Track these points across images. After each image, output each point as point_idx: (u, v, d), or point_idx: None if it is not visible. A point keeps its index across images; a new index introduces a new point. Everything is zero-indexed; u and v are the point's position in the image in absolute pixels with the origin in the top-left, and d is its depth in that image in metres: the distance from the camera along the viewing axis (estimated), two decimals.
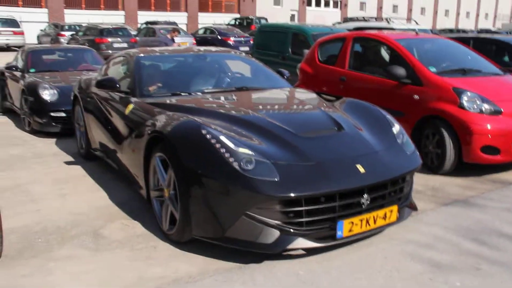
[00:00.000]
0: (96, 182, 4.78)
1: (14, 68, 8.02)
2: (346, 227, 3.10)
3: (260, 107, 4.08)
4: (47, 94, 6.96)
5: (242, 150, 3.09)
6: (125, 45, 18.07)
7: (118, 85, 4.35)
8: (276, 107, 4.19)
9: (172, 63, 4.89)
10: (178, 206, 3.21)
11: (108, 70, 5.50)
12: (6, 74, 8.55)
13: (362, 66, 6.23)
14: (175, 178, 3.22)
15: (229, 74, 4.95)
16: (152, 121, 3.65)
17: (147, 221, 3.76)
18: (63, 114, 6.86)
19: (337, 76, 6.34)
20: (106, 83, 4.38)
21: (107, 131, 4.70)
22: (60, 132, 6.92)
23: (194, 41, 21.21)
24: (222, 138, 3.15)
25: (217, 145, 3.10)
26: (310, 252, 3.22)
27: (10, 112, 8.53)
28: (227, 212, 3.04)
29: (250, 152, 3.09)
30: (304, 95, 4.62)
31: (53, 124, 6.87)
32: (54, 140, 6.74)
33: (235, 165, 3.00)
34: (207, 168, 3.08)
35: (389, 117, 3.94)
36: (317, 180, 3.07)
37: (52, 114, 6.85)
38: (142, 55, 4.82)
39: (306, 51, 7.54)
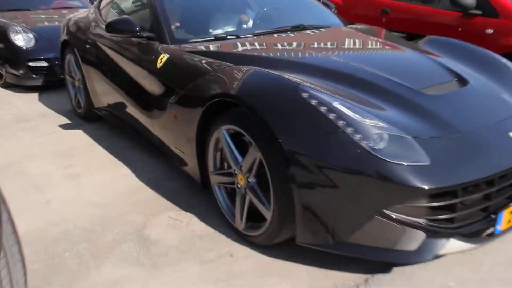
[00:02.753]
0: (111, 154, 3.68)
1: None
2: (505, 219, 2.20)
3: (344, 53, 3.01)
4: (21, 39, 5.60)
5: (369, 121, 2.08)
6: None
7: (138, 28, 3.16)
8: (364, 52, 3.11)
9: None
10: (271, 200, 2.21)
11: (108, 8, 4.22)
12: None
13: None
14: (264, 162, 2.19)
15: (273, 8, 3.80)
16: (207, 79, 2.56)
17: (204, 212, 2.75)
18: (44, 64, 5.55)
19: (377, 7, 5.25)
20: (121, 26, 3.18)
21: (123, 89, 3.54)
22: (41, 86, 5.64)
23: None
24: (336, 104, 2.11)
25: (331, 116, 2.07)
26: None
27: None
28: (352, 211, 2.07)
29: (381, 124, 2.08)
30: (380, 33, 3.55)
31: (33, 76, 5.56)
32: (35, 95, 5.48)
33: (364, 144, 2.00)
34: (319, 148, 2.06)
35: (509, 63, 2.97)
36: (474, 160, 2.12)
37: (30, 64, 5.52)
38: None
39: None
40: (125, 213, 2.78)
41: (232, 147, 2.40)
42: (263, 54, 2.80)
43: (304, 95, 2.14)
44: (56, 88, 5.61)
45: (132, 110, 3.46)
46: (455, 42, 3.28)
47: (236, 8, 3.60)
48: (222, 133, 2.42)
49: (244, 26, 3.43)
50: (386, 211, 2.02)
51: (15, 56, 5.55)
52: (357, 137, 2.01)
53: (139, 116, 3.35)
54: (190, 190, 2.99)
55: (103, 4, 4.36)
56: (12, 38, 5.56)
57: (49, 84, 5.65)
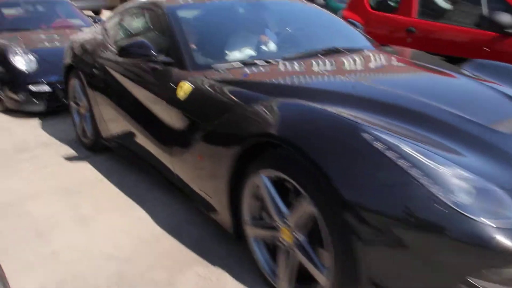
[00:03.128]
0: (123, 190, 3.30)
1: None
2: None
3: (394, 82, 2.65)
4: (22, 62, 5.24)
5: (448, 169, 1.72)
6: None
7: (154, 53, 2.82)
8: (417, 81, 2.75)
9: (221, 15, 3.32)
10: (327, 262, 1.84)
11: (116, 29, 3.88)
12: None
13: (440, 12, 4.82)
14: (320, 217, 1.82)
15: (299, 28, 3.46)
16: (241, 114, 2.20)
17: (236, 266, 2.38)
18: (46, 88, 5.19)
19: (402, 26, 4.93)
20: (136, 51, 2.83)
21: (135, 119, 3.18)
22: (43, 111, 5.27)
23: None
24: (407, 148, 1.75)
25: (401, 162, 1.70)
26: None
27: None
28: (429, 277, 1.69)
29: (463, 173, 1.72)
30: (423, 58, 3.21)
31: (34, 101, 5.19)
32: (36, 122, 5.10)
33: (444, 197, 1.64)
34: (388, 202, 1.69)
35: None
36: None
37: (31, 88, 5.16)
38: (173, 5, 3.24)
39: None
40: (145, 269, 2.39)
41: (275, 197, 2.03)
42: (302, 83, 2.45)
43: (366, 136, 1.78)
44: (59, 113, 5.25)
45: (146, 143, 3.09)
46: (506, 66, 2.95)
47: (260, 29, 3.25)
48: (263, 180, 2.06)
49: (271, 49, 3.08)
50: (470, 279, 1.65)
51: (15, 80, 5.19)
52: (434, 189, 1.64)
53: (154, 151, 2.99)
54: (217, 237, 2.62)
55: (110, 24, 4.02)
56: (12, 60, 5.21)
57: (51, 109, 5.28)
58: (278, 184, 2.03)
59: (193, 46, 2.87)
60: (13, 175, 3.63)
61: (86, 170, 3.69)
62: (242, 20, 3.30)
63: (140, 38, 2.96)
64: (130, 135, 3.31)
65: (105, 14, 15.68)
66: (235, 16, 3.36)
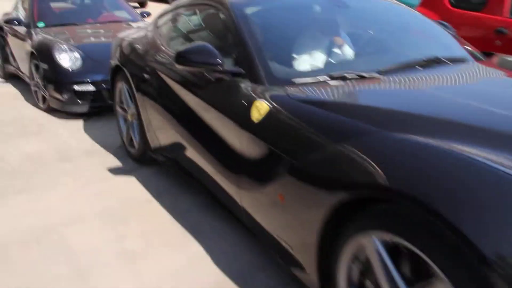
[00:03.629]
0: (176, 217, 2.82)
1: (16, 22, 5.82)
2: None
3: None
4: (67, 59, 4.85)
5: None
6: None
7: (220, 61, 2.30)
8: None
9: (298, 13, 2.75)
10: None
11: (169, 27, 3.40)
12: (6, 29, 6.37)
13: None
14: None
15: (389, 31, 2.87)
16: (340, 152, 1.64)
17: None
18: (91, 88, 4.78)
19: (489, 26, 4.24)
20: (198, 58, 2.32)
21: (192, 134, 2.69)
22: (86, 113, 4.88)
23: None
24: None
25: None
26: None
27: (14, 78, 6.43)
28: None
29: None
30: None
31: (78, 101, 4.80)
32: (80, 123, 4.71)
33: None
34: None
35: None
36: None
37: (75, 87, 4.76)
38: (240, 1, 2.71)
39: None
40: None
41: (390, 269, 1.47)
42: (415, 109, 1.86)
43: None
44: (104, 114, 4.84)
45: (204, 164, 2.60)
46: None
47: (345, 32, 2.68)
48: (374, 243, 1.50)
49: (360, 58, 2.50)
50: None
51: (60, 78, 4.81)
52: None
53: (216, 175, 2.48)
54: None
55: (163, 21, 3.53)
56: (57, 58, 4.83)
57: (95, 110, 4.88)
58: (395, 253, 1.48)
59: (273, 55, 2.33)
60: (52, 191, 3.22)
61: (133, 188, 3.23)
62: (325, 21, 2.74)
63: (201, 42, 2.44)
64: (184, 152, 2.82)
65: (151, 6, 15.37)
66: (314, 15, 2.80)
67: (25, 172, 3.55)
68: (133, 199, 3.05)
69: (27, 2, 6.04)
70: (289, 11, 2.73)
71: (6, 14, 6.98)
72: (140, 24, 5.88)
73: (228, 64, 2.36)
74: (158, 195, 3.09)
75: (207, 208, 2.87)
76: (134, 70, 3.41)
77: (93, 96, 4.80)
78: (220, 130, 2.34)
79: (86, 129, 4.54)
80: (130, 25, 5.88)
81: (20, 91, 6.00)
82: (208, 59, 2.30)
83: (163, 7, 3.89)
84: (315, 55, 2.41)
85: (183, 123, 2.78)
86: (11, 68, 6.45)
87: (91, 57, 4.90)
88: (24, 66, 5.67)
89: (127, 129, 3.73)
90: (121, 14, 6.44)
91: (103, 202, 3.02)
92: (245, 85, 2.22)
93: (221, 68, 2.30)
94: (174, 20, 3.35)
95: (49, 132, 4.48)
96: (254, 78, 2.22)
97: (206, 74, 2.46)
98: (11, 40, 6.20)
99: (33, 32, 5.49)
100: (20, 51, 5.81)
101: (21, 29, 5.80)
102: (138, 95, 3.34)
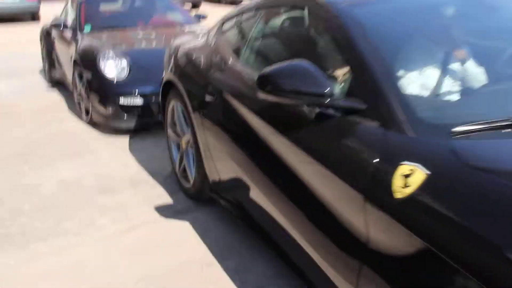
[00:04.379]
0: None
1: (62, 26, 5.24)
2: None
3: None
4: (113, 68, 4.18)
5: None
6: None
7: (330, 90, 1.47)
8: None
9: (423, 19, 1.90)
10: None
11: (235, 31, 2.62)
12: (53, 33, 5.81)
13: None
14: None
15: None
16: None
17: None
18: (138, 101, 4.09)
19: None
20: (294, 84, 1.51)
21: (275, 183, 1.88)
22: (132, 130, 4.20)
23: None
24: None
25: None
26: None
27: (61, 85, 5.88)
28: None
29: None
30: None
31: (124, 116, 4.12)
32: (125, 142, 4.03)
33: None
34: None
35: None
36: None
37: (121, 100, 4.08)
38: (348, 1, 1.87)
39: None
40: None
41: None
42: None
43: None
44: (152, 130, 4.15)
45: (288, 224, 1.79)
46: None
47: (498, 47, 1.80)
48: None
49: None
50: None
51: (104, 90, 4.16)
52: None
53: (309, 249, 1.67)
54: None
55: (229, 25, 2.76)
56: (101, 65, 4.17)
57: (143, 127, 4.19)
58: None
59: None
60: (86, 237, 2.52)
61: (189, 240, 2.47)
62: (479, 31, 1.86)
63: (297, 60, 1.62)
64: (255, 199, 2.05)
65: (204, 7, 14.73)
66: (441, 21, 1.92)
67: (57, 208, 2.87)
68: (187, 259, 2.29)
69: (75, 4, 5.45)
70: (412, 19, 1.87)
71: (55, 18, 6.45)
72: (196, 28, 5.17)
73: (339, 97, 1.54)
74: (220, 255, 2.31)
75: (287, 279, 2.06)
76: (192, 87, 2.66)
77: (141, 110, 4.11)
78: (318, 188, 1.52)
79: (132, 149, 3.85)
80: (185, 29, 5.18)
81: (65, 100, 5.43)
82: (308, 87, 1.48)
83: (216, 9, 3.12)
84: (477, 83, 1.55)
85: (258, 161, 1.99)
86: (56, 75, 5.91)
87: (140, 65, 4.22)
88: (68, 73, 5.08)
89: (180, 158, 2.99)
90: (175, 16, 5.75)
91: (151, 259, 2.29)
92: (371, 131, 1.39)
93: (327, 101, 1.48)
94: (247, 25, 2.55)
95: (91, 153, 3.82)
96: (386, 120, 1.38)
97: (297, 104, 1.65)
98: (58, 45, 5.64)
99: (78, 37, 4.88)
100: (65, 57, 5.23)
101: (67, 33, 5.22)
102: (195, 118, 2.59)
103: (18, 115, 4.84)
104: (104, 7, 5.73)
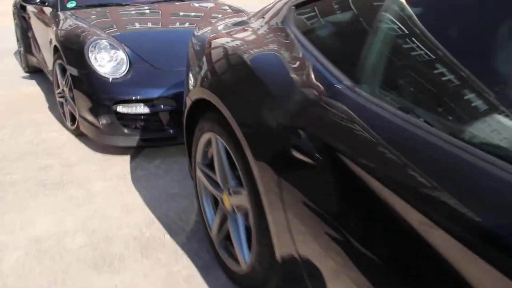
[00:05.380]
0: None
1: (39, 1, 3.96)
2: None
3: None
4: (106, 61, 2.97)
5: None
6: None
7: None
8: None
9: None
10: None
11: (338, 34, 1.42)
12: (29, 8, 4.53)
13: None
14: None
15: None
16: None
17: None
18: (143, 108, 2.88)
19: None
20: None
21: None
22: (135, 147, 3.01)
23: None
24: None
25: None
26: None
27: (40, 72, 4.65)
28: None
29: None
30: None
31: (124, 129, 2.91)
32: (125, 161, 2.86)
33: None
34: None
35: None
36: None
37: (119, 108, 2.87)
38: None
39: None
40: None
41: None
42: None
43: None
44: (163, 148, 2.99)
45: None
46: None
47: None
48: None
49: None
50: None
51: (95, 91, 2.94)
52: None
53: None
54: None
55: (312, 12, 1.56)
56: (91, 58, 2.94)
57: (151, 145, 3.01)
58: None
59: None
60: None
61: None
62: None
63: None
64: None
65: None
66: None
67: None
68: None
69: None
70: None
71: None
72: (208, 4, 3.95)
73: None
74: None
75: None
76: (255, 118, 1.48)
77: (147, 122, 2.91)
78: None
79: (134, 179, 2.69)
80: (201, 5, 3.95)
81: (45, 94, 4.21)
82: None
83: None
84: None
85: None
86: (33, 60, 4.65)
87: (144, 56, 3.00)
88: (49, 61, 3.84)
89: (219, 223, 1.83)
90: None
91: None
92: None
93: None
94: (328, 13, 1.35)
95: (78, 185, 2.65)
96: None
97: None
98: (35, 24, 4.37)
99: (60, 15, 3.62)
100: (43, 39, 3.99)
101: (47, 10, 3.95)
102: (258, 170, 1.42)
103: None
104: None
